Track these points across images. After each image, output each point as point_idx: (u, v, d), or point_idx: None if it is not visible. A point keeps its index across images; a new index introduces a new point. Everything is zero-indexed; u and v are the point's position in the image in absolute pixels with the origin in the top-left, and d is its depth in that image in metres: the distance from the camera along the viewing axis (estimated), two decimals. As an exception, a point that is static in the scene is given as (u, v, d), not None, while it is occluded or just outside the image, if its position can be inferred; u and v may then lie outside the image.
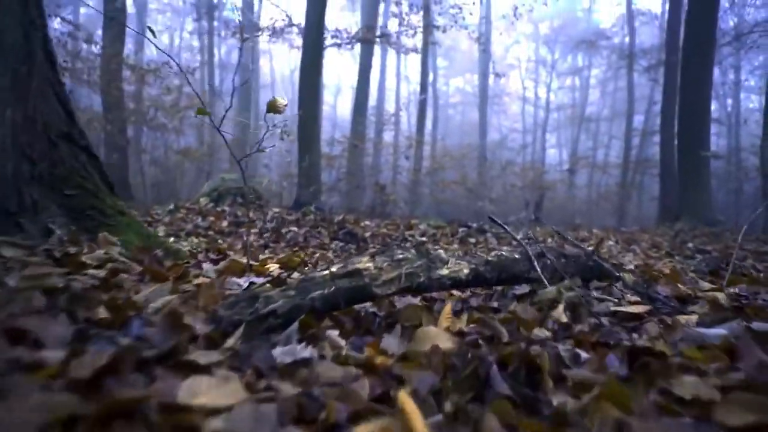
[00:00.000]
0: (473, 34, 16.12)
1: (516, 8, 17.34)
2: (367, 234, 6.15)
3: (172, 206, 7.05)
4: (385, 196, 14.17)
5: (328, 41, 14.84)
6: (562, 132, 36.06)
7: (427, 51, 19.21)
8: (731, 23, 21.01)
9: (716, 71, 19.98)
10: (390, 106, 31.63)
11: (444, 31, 15.89)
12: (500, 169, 18.74)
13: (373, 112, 22.31)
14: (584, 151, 30.66)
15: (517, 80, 38.45)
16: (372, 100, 33.36)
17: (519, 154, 25.72)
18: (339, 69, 39.28)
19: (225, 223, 6.10)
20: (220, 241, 5.50)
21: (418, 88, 20.77)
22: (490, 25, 29.66)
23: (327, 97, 38.24)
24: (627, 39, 27.64)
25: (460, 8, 15.94)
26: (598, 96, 36.43)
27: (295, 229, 6.06)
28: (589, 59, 33.81)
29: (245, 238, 5.61)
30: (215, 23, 25.06)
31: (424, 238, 6.16)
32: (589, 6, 37.21)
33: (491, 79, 32.12)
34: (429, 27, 16.09)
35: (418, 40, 17.32)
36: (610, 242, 7.16)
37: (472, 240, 6.42)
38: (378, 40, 15.38)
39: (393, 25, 18.41)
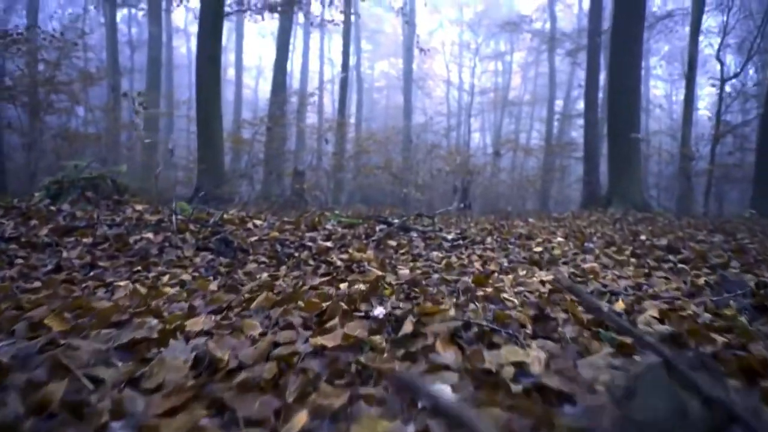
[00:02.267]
0: (395, 3, 14.35)
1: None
2: (252, 239, 4.40)
3: (-8, 204, 5.02)
4: (300, 183, 12.36)
5: (234, 7, 12.70)
6: (486, 116, 35.17)
7: (349, 26, 17.38)
8: (654, 8, 20.33)
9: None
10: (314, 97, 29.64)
11: (364, -1, 14.10)
12: (426, 153, 17.23)
13: (296, 95, 20.18)
14: (507, 135, 29.78)
15: (442, 64, 37.18)
16: (295, 82, 31.28)
17: (444, 137, 24.36)
18: (260, 50, 36.82)
19: (45, 231, 4.17)
20: (20, 261, 3.61)
21: (345, 95, 18.98)
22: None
23: (247, 80, 35.71)
24: (548, 25, 26.76)
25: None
26: (520, 81, 35.73)
27: (150, 235, 4.22)
28: (512, 44, 32.94)
29: (62, 254, 3.74)
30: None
31: (328, 243, 4.46)
32: (510, -9, 36.31)
33: (415, 62, 30.77)
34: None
35: (338, 15, 15.42)
36: (559, 238, 5.70)
37: (393, 243, 4.78)
38: (286, 8, 13.32)
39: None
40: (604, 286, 2.96)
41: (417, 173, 15.98)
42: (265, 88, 36.47)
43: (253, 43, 37.41)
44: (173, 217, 4.26)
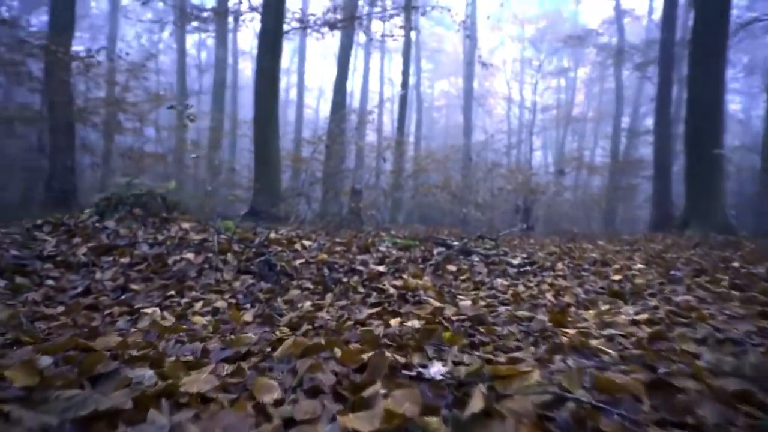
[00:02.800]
0: (457, 17, 13.90)
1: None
2: (299, 262, 4.00)
3: (39, 221, 4.86)
4: (357, 202, 12.00)
5: (293, 25, 12.59)
6: (548, 134, 34.11)
7: (409, 42, 17.08)
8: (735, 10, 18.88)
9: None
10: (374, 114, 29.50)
11: (423, 13, 13.76)
12: (486, 171, 16.60)
13: (355, 113, 20.00)
14: (570, 153, 28.67)
15: (503, 82, 36.44)
16: (355, 102, 31.31)
17: (505, 155, 23.63)
18: (321, 71, 37.16)
19: (83, 249, 3.91)
20: (50, 282, 3.33)
21: (404, 113, 18.58)
22: (476, 10, 27.53)
23: (309, 100, 36.05)
24: (614, 40, 25.68)
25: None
26: (584, 97, 34.54)
27: (190, 256, 3.89)
28: (575, 59, 31.92)
29: (95, 275, 3.45)
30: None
31: (381, 268, 4.02)
32: (575, 7, 35.30)
33: (476, 80, 30.24)
34: (409, 8, 13.89)
35: (398, 30, 15.09)
36: (639, 265, 5.04)
37: (453, 268, 4.29)
38: (346, 24, 13.09)
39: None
40: (717, 329, 2.36)
41: (477, 192, 15.37)
42: (326, 109, 36.75)
43: (315, 64, 37.92)
44: (215, 237, 3.91)
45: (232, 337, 1.97)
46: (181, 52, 22.28)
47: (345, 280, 3.66)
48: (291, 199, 12.87)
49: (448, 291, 3.58)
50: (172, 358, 1.66)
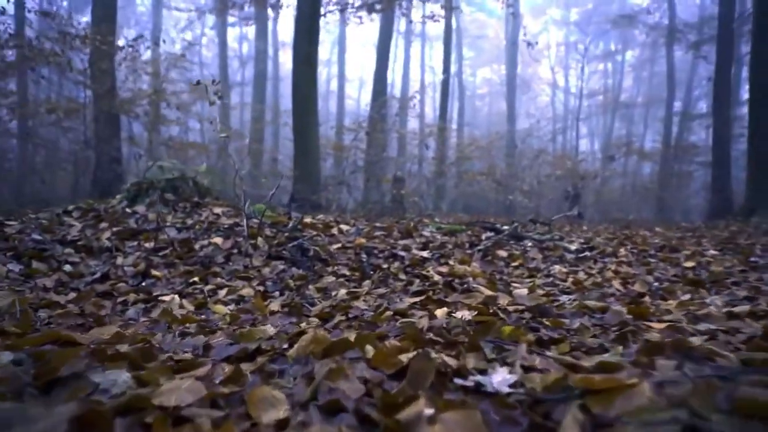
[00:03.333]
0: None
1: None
2: (334, 247, 3.65)
3: (70, 207, 4.67)
4: (399, 189, 11.63)
5: (329, 8, 12.23)
6: (594, 120, 32.88)
7: (450, 24, 16.51)
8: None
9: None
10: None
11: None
12: (532, 158, 15.98)
13: (396, 100, 19.48)
14: (618, 140, 27.46)
15: (547, 68, 35.35)
16: (396, 91, 30.84)
17: (551, 142, 22.83)
18: (362, 61, 36.79)
19: (108, 234, 3.66)
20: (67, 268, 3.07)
21: (446, 98, 17.91)
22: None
23: (350, 90, 35.78)
24: (666, 19, 24.40)
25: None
26: (632, 82, 33.15)
27: (218, 240, 3.59)
28: (623, 42, 30.60)
29: (116, 261, 3.18)
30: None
31: (424, 253, 3.63)
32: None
33: (519, 66, 29.34)
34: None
35: (439, 10, 14.50)
36: (712, 251, 4.50)
37: (503, 254, 3.86)
38: (385, 6, 12.61)
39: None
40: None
41: (523, 179, 14.77)
42: (367, 99, 36.48)
43: (355, 54, 37.60)
44: (244, 221, 3.59)
45: (244, 329, 1.62)
46: (223, 44, 22.28)
47: (385, 266, 3.30)
48: (332, 187, 12.61)
49: (499, 278, 3.17)
50: (164, 356, 1.32)
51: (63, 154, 14.78)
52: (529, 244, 4.28)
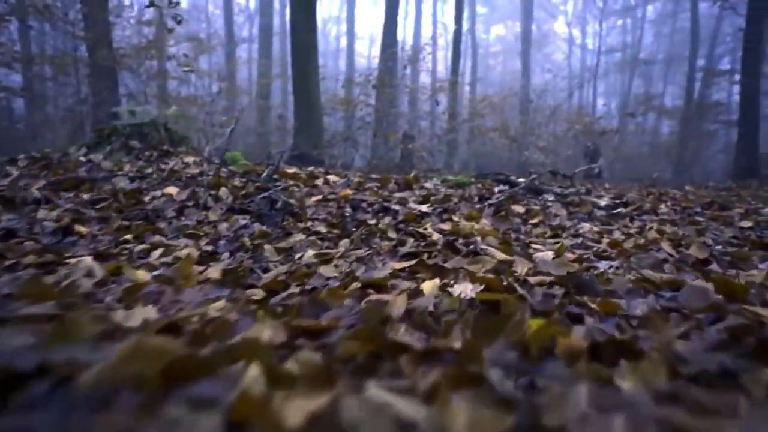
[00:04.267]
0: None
1: None
2: (313, 200, 2.97)
3: (21, 156, 4.01)
4: (407, 146, 10.88)
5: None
6: (611, 78, 31.46)
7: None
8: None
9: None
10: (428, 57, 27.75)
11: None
12: (548, 115, 15.05)
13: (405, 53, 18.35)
14: (637, 98, 26.19)
15: (563, 24, 33.81)
16: (407, 47, 29.60)
17: (567, 99, 21.71)
18: (372, 19, 35.42)
19: (40, 184, 3.00)
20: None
21: (458, 52, 16.68)
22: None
23: (360, 48, 34.55)
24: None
25: None
26: (652, 38, 31.55)
27: (172, 191, 2.93)
28: (645, -5, 28.97)
29: (36, 215, 2.53)
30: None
31: (423, 207, 2.93)
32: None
33: (534, 25, 27.99)
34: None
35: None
36: (766, 208, 3.77)
37: (520, 209, 3.15)
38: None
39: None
40: None
41: (538, 136, 13.91)
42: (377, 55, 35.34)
43: (365, 11, 36.25)
44: (205, 168, 2.92)
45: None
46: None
47: (372, 221, 2.61)
48: (338, 143, 11.88)
49: (515, 238, 2.48)
50: None
51: (60, 111, 14.11)
52: (550, 198, 3.56)
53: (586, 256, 2.06)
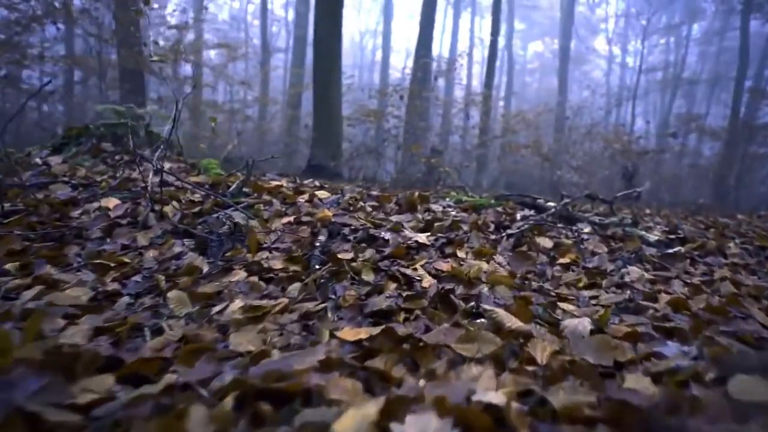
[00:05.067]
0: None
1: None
2: (282, 222, 2.33)
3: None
4: (435, 161, 10.21)
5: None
6: (651, 97, 30.15)
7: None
8: None
9: None
10: (463, 71, 27.05)
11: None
12: (584, 134, 14.18)
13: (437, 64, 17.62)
14: (679, 117, 24.87)
15: (603, 42, 32.73)
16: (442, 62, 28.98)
17: (603, 119, 20.69)
18: (409, 32, 34.95)
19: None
20: None
21: (494, 64, 15.86)
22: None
23: (395, 61, 34.05)
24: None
25: None
26: (696, 57, 30.18)
27: (111, 203, 2.32)
28: (689, 14, 27.70)
29: None
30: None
31: (422, 237, 2.25)
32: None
33: (573, 42, 27.07)
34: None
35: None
36: None
37: (546, 242, 2.44)
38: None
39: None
40: None
41: (573, 155, 13.05)
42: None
43: (402, 24, 35.83)
44: (149, 178, 2.31)
45: None
46: (263, 8, 21.00)
47: (348, 255, 1.94)
48: (359, 156, 11.28)
49: (538, 288, 1.79)
50: None
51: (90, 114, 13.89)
52: (586, 229, 2.84)
53: (641, 329, 1.36)
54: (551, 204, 3.21)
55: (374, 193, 3.54)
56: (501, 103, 25.68)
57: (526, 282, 1.85)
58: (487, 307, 1.41)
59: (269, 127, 17.23)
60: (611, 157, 13.49)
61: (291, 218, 2.35)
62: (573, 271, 2.12)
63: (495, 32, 14.11)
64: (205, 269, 1.76)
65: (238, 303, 1.43)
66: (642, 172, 12.96)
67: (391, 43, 31.00)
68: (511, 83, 28.64)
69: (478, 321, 1.41)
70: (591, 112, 17.76)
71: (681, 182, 17.95)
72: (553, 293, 1.76)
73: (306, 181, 4.05)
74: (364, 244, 2.14)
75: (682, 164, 19.77)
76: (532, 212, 3.12)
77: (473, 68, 30.80)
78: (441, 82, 18.98)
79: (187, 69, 15.13)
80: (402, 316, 1.43)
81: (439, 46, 31.15)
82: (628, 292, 1.83)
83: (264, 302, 1.45)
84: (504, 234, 2.50)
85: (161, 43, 12.04)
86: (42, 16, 11.53)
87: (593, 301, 1.71)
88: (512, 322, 1.34)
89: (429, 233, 2.37)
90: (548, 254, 2.32)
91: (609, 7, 32.75)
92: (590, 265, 2.22)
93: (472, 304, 1.51)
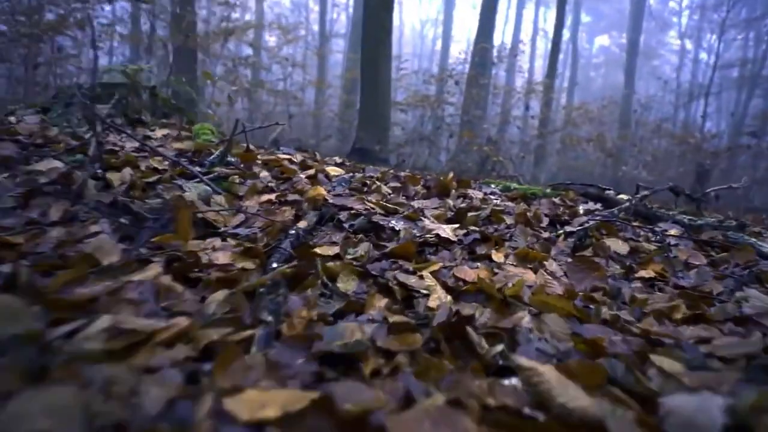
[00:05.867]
0: None
1: None
2: (255, 201, 1.72)
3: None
4: (490, 151, 9.45)
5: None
6: (725, 95, 27.90)
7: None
8: None
9: None
10: (524, 62, 25.80)
11: None
12: (652, 131, 12.99)
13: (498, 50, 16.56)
14: (757, 116, 22.83)
15: (674, 36, 30.62)
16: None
17: (672, 116, 19.19)
18: (471, 23, 33.80)
19: None
20: None
21: (558, 49, 14.70)
22: None
23: (455, 51, 32.96)
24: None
25: None
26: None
27: (54, 165, 1.79)
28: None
29: None
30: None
31: (448, 230, 1.60)
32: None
33: (643, 36, 25.37)
34: None
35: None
36: None
37: (619, 247, 1.74)
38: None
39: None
40: None
41: (640, 151, 11.94)
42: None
43: (465, 14, 34.66)
44: (93, 141, 1.76)
45: None
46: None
47: (331, 251, 1.32)
48: (414, 142, 10.65)
49: (610, 318, 1.11)
50: None
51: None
52: (672, 231, 2.10)
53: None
54: (623, 197, 2.48)
55: (402, 174, 2.89)
56: (564, 95, 24.42)
57: (592, 307, 1.18)
58: (523, 361, 0.76)
59: (322, 111, 16.75)
60: (681, 156, 12.28)
61: (272, 196, 1.74)
62: (661, 291, 1.43)
63: (560, 17, 13.05)
64: (113, 259, 1.17)
65: (104, 321, 0.83)
66: (715, 174, 11.72)
67: (452, 32, 30.01)
68: (574, 77, 27.16)
69: (507, 382, 0.77)
70: (661, 107, 16.40)
71: (758, 184, 16.34)
72: (636, 328, 1.08)
73: (337, 160, 3.46)
74: (361, 235, 1.51)
75: (759, 166, 18.14)
76: (598, 206, 2.41)
77: (536, 61, 29.47)
78: (501, 71, 18.04)
79: (244, 50, 14.86)
80: (373, 364, 0.81)
81: (501, 36, 29.84)
82: (757, 332, 1.13)
83: (148, 323, 0.85)
84: (561, 231, 1.81)
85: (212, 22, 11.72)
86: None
87: (703, 348, 1.02)
88: (568, 395, 0.69)
89: (458, 225, 1.71)
90: (623, 263, 1.62)
91: (683, 1, 30.53)
92: (685, 283, 1.51)
93: (501, 347, 0.87)
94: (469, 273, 1.28)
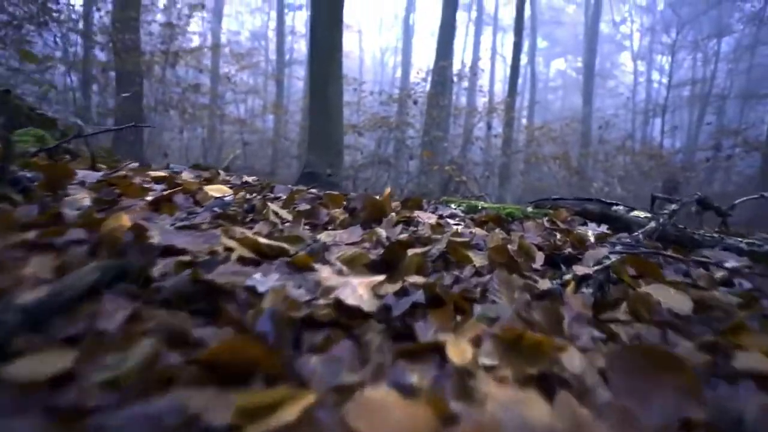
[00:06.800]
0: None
1: None
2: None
3: None
4: (449, 173, 8.75)
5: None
6: (677, 114, 28.14)
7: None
8: None
9: None
10: (485, 84, 25.55)
11: None
12: (617, 148, 12.59)
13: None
14: (705, 140, 22.96)
15: (627, 59, 31.02)
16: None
17: (630, 135, 19.00)
18: (430, 51, 33.75)
19: None
20: None
21: (517, 69, 14.25)
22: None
23: (414, 78, 32.84)
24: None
25: None
26: (725, 74, 28.18)
27: None
28: (718, 29, 25.85)
29: None
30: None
31: (340, 292, 0.79)
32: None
33: (598, 59, 25.57)
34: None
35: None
36: None
37: (673, 301, 0.96)
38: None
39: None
40: None
41: (610, 167, 11.48)
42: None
43: (424, 41, 34.62)
44: None
45: None
46: (280, 18, 19.97)
47: (50, 367, 0.48)
48: (371, 166, 9.91)
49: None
50: None
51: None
52: (729, 264, 1.33)
53: None
54: (639, 214, 1.71)
55: (319, 192, 2.08)
56: (524, 113, 24.31)
57: None
58: None
59: (279, 138, 15.98)
60: (648, 171, 11.85)
61: (36, 232, 0.89)
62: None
63: (518, 33, 12.60)
64: None
65: None
66: (687, 189, 11.29)
67: (412, 59, 29.74)
68: (533, 101, 27.06)
69: None
70: (620, 125, 16.15)
71: (727, 198, 16.08)
72: None
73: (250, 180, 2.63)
74: (175, 311, 0.67)
75: (731, 180, 18.12)
76: (602, 227, 1.63)
77: (495, 86, 29.32)
78: (462, 91, 17.56)
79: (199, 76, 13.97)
80: None
81: (461, 62, 29.66)
82: None
83: None
84: (569, 276, 1.01)
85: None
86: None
87: None
88: None
89: (386, 276, 0.89)
90: (688, 331, 0.83)
91: (633, 25, 31.02)
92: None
93: None
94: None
